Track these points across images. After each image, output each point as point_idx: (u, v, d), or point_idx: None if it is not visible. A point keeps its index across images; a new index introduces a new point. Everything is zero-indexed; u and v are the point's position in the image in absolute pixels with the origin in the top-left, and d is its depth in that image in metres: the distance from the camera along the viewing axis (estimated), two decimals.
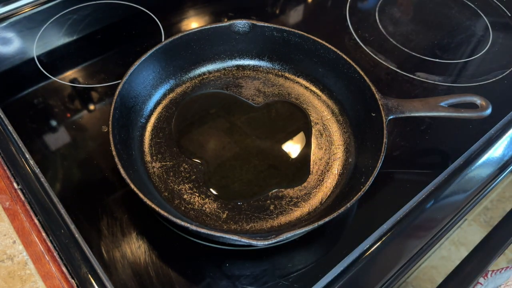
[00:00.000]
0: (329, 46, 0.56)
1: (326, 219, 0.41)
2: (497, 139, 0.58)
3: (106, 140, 0.45)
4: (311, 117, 0.57)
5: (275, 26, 0.57)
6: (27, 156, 0.51)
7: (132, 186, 0.42)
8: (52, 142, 0.54)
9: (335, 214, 0.42)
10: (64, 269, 0.44)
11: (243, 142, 0.54)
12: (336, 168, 0.52)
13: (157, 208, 0.40)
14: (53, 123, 0.56)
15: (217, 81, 0.60)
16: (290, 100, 0.59)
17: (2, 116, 0.55)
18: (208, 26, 0.57)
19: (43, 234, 0.46)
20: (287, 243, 0.47)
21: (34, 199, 0.48)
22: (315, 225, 0.41)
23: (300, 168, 0.52)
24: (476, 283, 0.58)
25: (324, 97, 0.59)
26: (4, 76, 0.60)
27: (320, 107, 0.58)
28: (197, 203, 0.48)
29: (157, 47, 0.54)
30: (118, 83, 0.50)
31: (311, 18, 0.74)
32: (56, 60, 0.62)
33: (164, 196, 0.48)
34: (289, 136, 0.55)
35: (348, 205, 0.42)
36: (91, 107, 0.58)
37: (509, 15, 0.77)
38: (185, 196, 0.49)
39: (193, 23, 0.71)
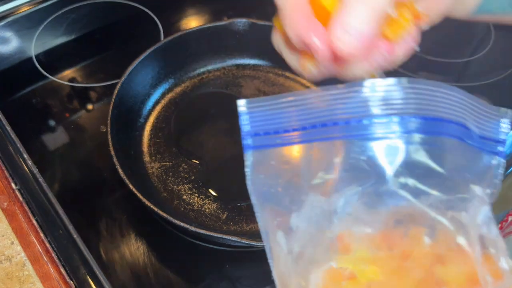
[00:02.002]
0: None
1: None
2: None
3: (104, 140, 0.45)
4: None
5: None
6: (25, 156, 0.51)
7: (131, 186, 0.41)
8: (51, 142, 0.53)
9: None
10: (62, 270, 0.43)
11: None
12: None
13: (156, 209, 0.40)
14: (52, 123, 0.55)
15: (217, 80, 0.60)
16: None
17: (0, 116, 0.54)
18: (208, 25, 0.56)
19: (41, 234, 0.45)
20: None
21: (32, 200, 0.47)
22: None
23: None
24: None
25: None
26: (2, 75, 0.60)
27: None
28: (196, 204, 0.48)
29: (156, 46, 0.54)
30: (117, 83, 0.50)
31: None
32: (55, 59, 0.62)
33: (163, 196, 0.48)
34: None
35: None
36: (90, 106, 0.57)
37: None
38: (184, 197, 0.48)
39: (192, 22, 0.71)
